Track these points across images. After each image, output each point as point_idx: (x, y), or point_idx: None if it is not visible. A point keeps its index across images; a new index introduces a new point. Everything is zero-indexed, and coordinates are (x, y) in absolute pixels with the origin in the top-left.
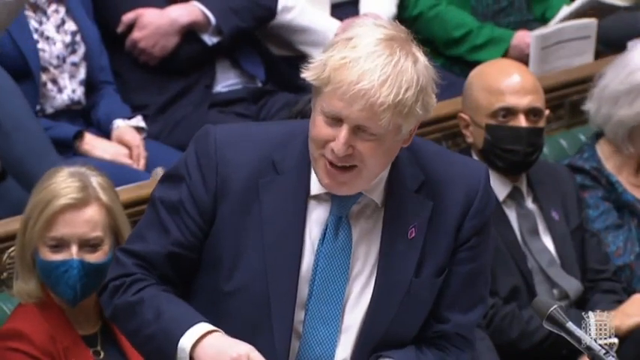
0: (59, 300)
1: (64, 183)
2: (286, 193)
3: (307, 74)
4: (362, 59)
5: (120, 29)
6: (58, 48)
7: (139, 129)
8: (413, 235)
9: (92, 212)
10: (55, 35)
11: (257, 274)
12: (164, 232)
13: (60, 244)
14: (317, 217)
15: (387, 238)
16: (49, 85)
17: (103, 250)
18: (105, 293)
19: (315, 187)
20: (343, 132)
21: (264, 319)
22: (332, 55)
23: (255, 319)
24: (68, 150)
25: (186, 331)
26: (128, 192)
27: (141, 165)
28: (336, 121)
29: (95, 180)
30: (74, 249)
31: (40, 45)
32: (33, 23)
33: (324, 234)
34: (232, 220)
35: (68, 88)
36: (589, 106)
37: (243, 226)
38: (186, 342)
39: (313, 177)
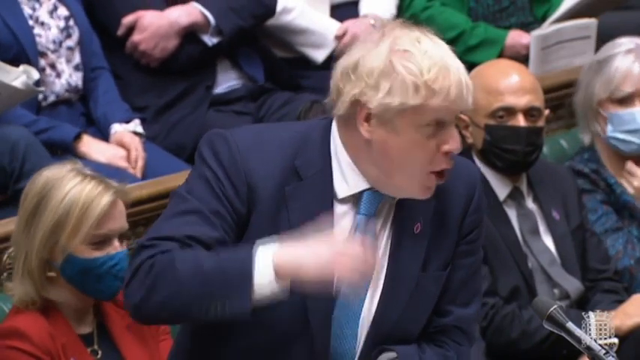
0: (79, 298)
1: (85, 183)
2: (312, 199)
3: (393, 100)
4: (444, 57)
5: (120, 32)
6: (53, 33)
7: (136, 134)
8: (418, 230)
9: (121, 204)
10: (49, 20)
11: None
12: (210, 226)
13: (103, 241)
14: (342, 219)
15: (397, 234)
16: (48, 70)
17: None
18: (137, 275)
19: (341, 190)
20: (453, 129)
21: (301, 325)
22: (409, 71)
23: (293, 327)
24: (67, 152)
25: (256, 249)
26: None
27: (138, 167)
28: (438, 128)
29: (96, 173)
30: (117, 242)
31: (36, 30)
32: (26, 10)
33: (355, 234)
34: (262, 230)
35: (66, 72)
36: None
37: (272, 236)
38: (263, 255)
39: (337, 179)
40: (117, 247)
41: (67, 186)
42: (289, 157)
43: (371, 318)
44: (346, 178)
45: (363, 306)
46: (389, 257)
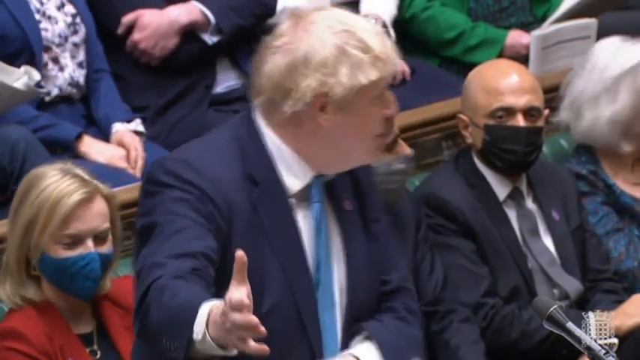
0: (66, 297)
1: (62, 181)
2: (273, 201)
3: (357, 81)
4: (373, 26)
5: (120, 31)
6: (60, 27)
7: (137, 133)
8: (350, 207)
9: (100, 205)
10: (56, 14)
11: (283, 289)
12: (200, 238)
13: (75, 241)
14: (300, 213)
15: (338, 213)
16: (50, 65)
17: (110, 240)
18: (146, 297)
19: (293, 185)
20: (390, 93)
21: (298, 328)
22: (360, 49)
23: (290, 332)
24: (67, 151)
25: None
26: (126, 192)
27: (138, 167)
28: (381, 96)
29: (85, 172)
30: (90, 243)
31: (43, 24)
32: (34, 3)
33: (319, 223)
34: (245, 244)
35: (69, 67)
36: (563, 115)
37: (256, 247)
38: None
39: (285, 176)
40: (89, 248)
41: (44, 184)
42: (240, 164)
43: (344, 302)
44: (295, 172)
45: (334, 291)
46: (343, 238)
